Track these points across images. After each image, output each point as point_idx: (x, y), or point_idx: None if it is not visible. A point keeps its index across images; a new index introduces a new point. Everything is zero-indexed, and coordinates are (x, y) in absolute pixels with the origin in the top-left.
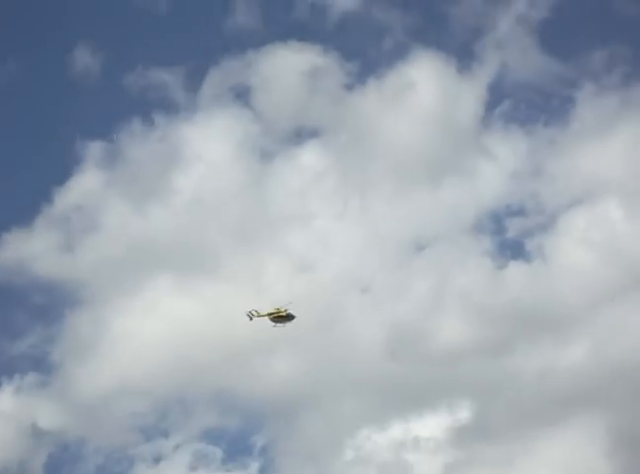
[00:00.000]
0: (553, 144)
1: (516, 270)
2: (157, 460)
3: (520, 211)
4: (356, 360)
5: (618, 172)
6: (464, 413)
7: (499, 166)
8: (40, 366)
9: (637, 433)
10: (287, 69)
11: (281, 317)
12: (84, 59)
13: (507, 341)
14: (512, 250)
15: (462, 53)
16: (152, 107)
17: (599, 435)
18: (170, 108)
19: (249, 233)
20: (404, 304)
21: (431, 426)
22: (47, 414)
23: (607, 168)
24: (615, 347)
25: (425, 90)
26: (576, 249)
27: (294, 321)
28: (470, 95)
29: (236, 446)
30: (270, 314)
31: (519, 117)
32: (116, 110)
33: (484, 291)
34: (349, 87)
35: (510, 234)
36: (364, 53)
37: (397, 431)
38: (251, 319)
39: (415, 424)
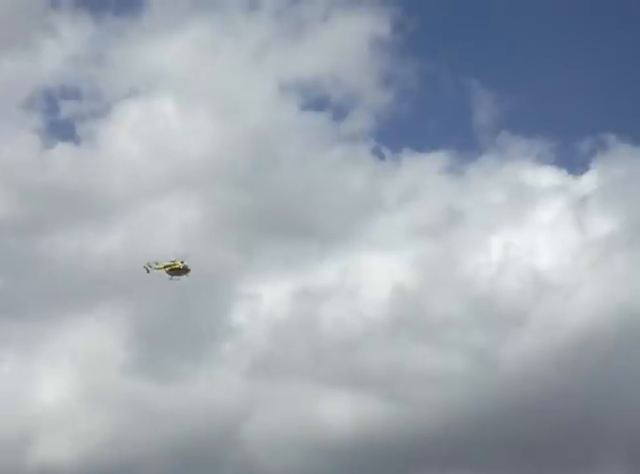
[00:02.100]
0: (120, 34)
1: (63, 152)
2: None
3: (75, 95)
4: None
5: (178, 69)
6: None
7: (62, 47)
8: None
9: (155, 325)
10: None
11: (177, 269)
12: None
13: (45, 220)
14: (62, 131)
15: None
16: None
17: (120, 325)
18: None
19: None
20: None
21: None
22: None
23: (168, 64)
24: (150, 240)
25: None
26: (127, 139)
27: None
28: None
29: None
30: (166, 266)
31: (88, 2)
32: None
33: (28, 169)
34: None
35: (62, 115)
36: None
37: None
38: (148, 271)
39: None
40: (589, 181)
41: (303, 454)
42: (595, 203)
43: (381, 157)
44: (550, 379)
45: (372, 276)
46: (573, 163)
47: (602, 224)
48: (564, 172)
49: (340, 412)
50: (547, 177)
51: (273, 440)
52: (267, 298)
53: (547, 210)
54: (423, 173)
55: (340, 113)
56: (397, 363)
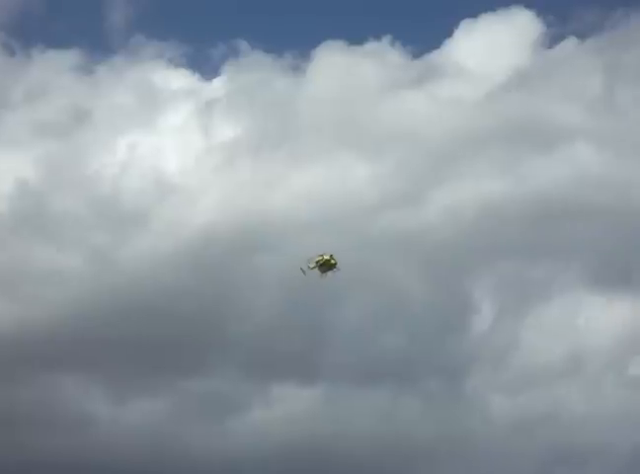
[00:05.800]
0: None
1: None
2: None
3: None
4: None
5: None
6: None
7: None
8: None
9: None
10: None
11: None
12: None
13: None
14: None
15: None
16: None
17: None
18: None
19: None
20: None
21: None
22: None
23: None
24: None
25: None
26: None
27: None
28: None
29: None
30: (317, 262)
31: None
32: None
33: None
34: None
35: None
36: None
37: None
38: (305, 273)
39: None
40: (218, 86)
41: None
42: (222, 109)
43: (11, 53)
44: (170, 280)
45: None
46: (205, 68)
47: (228, 129)
48: (196, 76)
49: None
50: (178, 80)
51: None
52: None
53: (175, 113)
54: (52, 71)
55: None
56: (17, 261)
